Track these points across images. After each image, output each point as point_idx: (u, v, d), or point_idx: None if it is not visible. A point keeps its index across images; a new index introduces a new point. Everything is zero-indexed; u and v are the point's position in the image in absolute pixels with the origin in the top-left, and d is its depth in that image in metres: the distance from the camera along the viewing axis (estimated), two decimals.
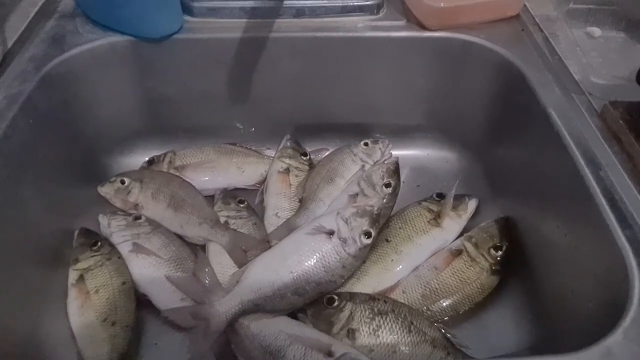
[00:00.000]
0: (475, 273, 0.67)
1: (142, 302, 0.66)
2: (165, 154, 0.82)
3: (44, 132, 0.66)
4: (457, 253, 0.69)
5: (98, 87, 0.74)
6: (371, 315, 0.62)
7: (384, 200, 0.74)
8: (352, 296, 0.64)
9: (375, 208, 0.70)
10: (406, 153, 0.86)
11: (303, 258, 0.64)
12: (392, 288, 0.67)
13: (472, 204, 0.76)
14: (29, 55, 0.69)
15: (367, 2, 0.77)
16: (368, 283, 0.68)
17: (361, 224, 0.68)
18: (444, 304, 0.65)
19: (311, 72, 0.78)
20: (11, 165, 0.60)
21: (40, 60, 0.68)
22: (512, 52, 0.72)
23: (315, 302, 0.64)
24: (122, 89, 0.76)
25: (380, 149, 0.83)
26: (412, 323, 0.61)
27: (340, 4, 0.76)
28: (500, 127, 0.77)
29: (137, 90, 0.77)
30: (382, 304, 0.63)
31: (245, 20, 0.74)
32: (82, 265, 0.66)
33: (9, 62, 0.67)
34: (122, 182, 0.76)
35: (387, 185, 0.75)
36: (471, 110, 0.80)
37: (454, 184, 0.75)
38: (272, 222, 0.76)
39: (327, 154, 0.86)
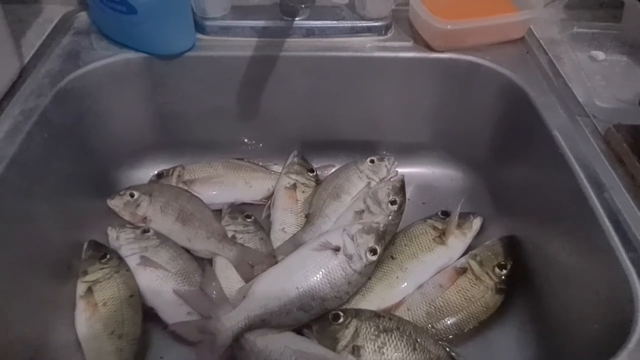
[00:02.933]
0: (480, 291, 0.67)
1: (148, 315, 0.66)
2: (174, 168, 0.83)
3: (58, 146, 0.67)
4: (462, 271, 0.69)
5: (111, 102, 0.75)
6: (376, 333, 0.62)
7: (390, 218, 0.75)
8: (357, 313, 0.64)
9: (381, 225, 0.71)
10: (412, 171, 0.87)
11: (309, 274, 0.65)
12: (397, 305, 0.68)
13: (476, 223, 0.76)
14: (45, 71, 0.70)
15: (376, 23, 0.79)
16: (373, 300, 0.68)
17: (367, 240, 0.68)
18: (449, 322, 0.66)
19: (319, 90, 0.80)
20: (26, 178, 0.61)
21: (55, 76, 0.69)
22: (517, 74, 0.73)
23: (321, 318, 0.65)
24: (134, 104, 0.78)
25: (386, 166, 0.84)
26: (417, 341, 0.62)
27: (349, 25, 0.78)
28: (505, 147, 0.78)
29: (149, 106, 0.79)
30: (387, 321, 0.63)
31: (256, 39, 0.76)
32: (90, 277, 0.67)
33: (25, 78, 0.69)
34: (132, 196, 0.76)
35: (393, 202, 0.76)
36: (476, 130, 0.81)
37: (459, 202, 0.75)
38: (278, 237, 0.76)
39: (333, 170, 0.87)
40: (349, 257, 0.67)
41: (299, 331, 0.64)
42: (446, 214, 0.77)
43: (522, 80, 0.73)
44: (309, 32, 0.78)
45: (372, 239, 0.68)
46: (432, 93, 0.80)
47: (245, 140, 0.87)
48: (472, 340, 0.66)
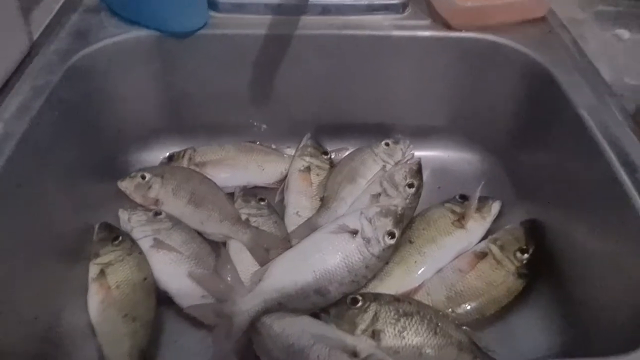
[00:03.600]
0: (501, 276, 0.65)
1: (162, 299, 0.65)
2: (185, 151, 0.81)
3: (67, 125, 0.65)
4: (482, 255, 0.67)
5: (121, 81, 0.73)
6: (396, 317, 0.60)
7: (407, 201, 0.73)
8: (376, 297, 0.63)
9: (399, 208, 0.69)
10: (427, 154, 0.85)
11: (326, 257, 0.63)
12: (415, 290, 0.66)
13: (495, 206, 0.74)
14: (55, 48, 0.68)
15: (393, 1, 0.76)
16: (391, 284, 0.66)
17: (385, 224, 0.66)
18: (470, 307, 0.64)
19: (334, 71, 0.77)
20: (37, 157, 0.59)
21: (65, 53, 0.67)
22: (540, 54, 0.71)
23: (339, 302, 0.63)
24: (144, 84, 0.76)
25: (401, 149, 0.82)
26: (437, 325, 0.60)
27: (366, 3, 0.76)
28: (526, 130, 0.75)
29: (160, 86, 0.77)
30: (407, 305, 0.62)
31: (270, 16, 0.73)
32: (102, 259, 0.65)
33: (34, 55, 0.67)
34: (143, 178, 0.74)
35: (410, 185, 0.74)
36: (496, 112, 0.79)
37: (477, 186, 0.73)
38: (292, 221, 0.75)
39: (347, 153, 0.85)
40: (367, 241, 0.65)
41: (315, 316, 0.62)
42: (464, 198, 0.75)
43: (546, 59, 0.70)
44: (325, 10, 0.75)
45: (390, 222, 0.66)
46: (450, 73, 0.78)
47: (258, 122, 0.85)
48: (493, 326, 0.64)
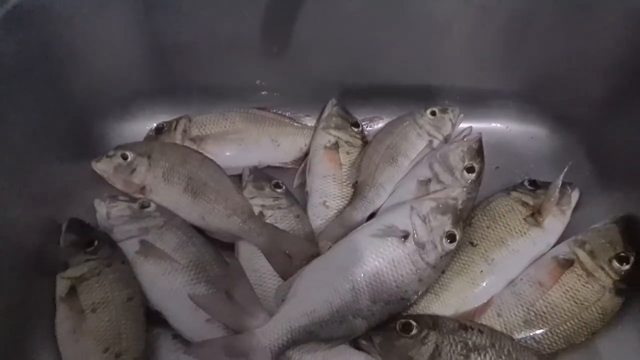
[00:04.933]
0: (594, 293, 0.52)
1: (153, 321, 0.52)
2: (177, 121, 0.68)
3: (17, 90, 0.54)
4: (568, 264, 0.54)
5: (89, 29, 0.60)
6: (464, 352, 0.48)
7: (466, 189, 0.60)
8: (435, 322, 0.51)
9: (459, 201, 0.56)
10: (481, 126, 0.71)
11: (369, 269, 0.52)
12: (482, 309, 0.54)
13: (574, 196, 0.61)
14: None
15: None
16: (450, 301, 0.54)
17: (443, 223, 0.54)
18: (554, 334, 0.51)
19: (365, 18, 0.65)
20: None
21: None
22: None
23: (384, 327, 0.51)
24: (122, 33, 0.63)
25: (450, 119, 0.69)
26: None
27: None
28: (622, 98, 0.62)
29: (142, 36, 0.64)
30: (477, 334, 0.49)
31: None
32: (73, 272, 0.52)
33: None
34: (124, 157, 0.63)
35: (470, 169, 0.61)
36: (577, 74, 0.66)
37: (543, 167, 0.66)
38: (318, 214, 0.62)
39: (381, 125, 0.72)
40: (421, 246, 0.52)
41: (354, 343, 0.51)
42: (535, 185, 0.62)
43: None
44: None
45: (448, 220, 0.54)
46: (512, 20, 0.64)
47: (268, 83, 0.72)
48: (579, 354, 0.52)
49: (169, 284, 0.53)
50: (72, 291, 0.51)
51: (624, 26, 0.58)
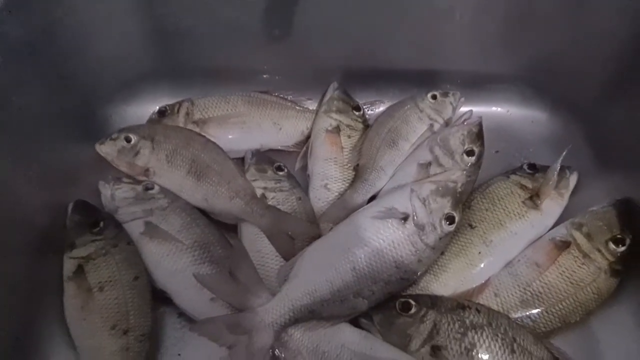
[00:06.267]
0: (589, 274, 0.53)
1: (159, 300, 0.53)
2: (180, 104, 0.68)
3: (19, 73, 0.53)
4: (564, 246, 0.55)
5: (92, 11, 0.59)
6: (462, 330, 0.48)
7: (465, 173, 0.60)
8: (434, 302, 0.51)
9: (459, 184, 0.56)
10: (482, 110, 0.71)
11: (369, 250, 0.52)
12: (479, 289, 0.54)
13: (573, 179, 0.61)
14: None
15: None
16: (448, 281, 0.55)
17: (442, 205, 0.54)
18: (550, 313, 0.52)
19: (367, 1, 0.64)
20: None
21: None
22: None
23: (384, 306, 0.52)
24: (124, 17, 0.62)
25: (451, 103, 0.69)
26: (514, 340, 0.48)
27: None
28: (622, 83, 0.61)
29: (145, 20, 0.63)
30: (474, 313, 0.50)
31: None
32: (80, 252, 0.52)
33: None
34: (128, 140, 0.62)
35: (470, 152, 0.61)
36: (578, 59, 0.65)
37: (543, 151, 0.65)
38: (319, 196, 0.62)
39: (382, 108, 0.71)
40: (420, 228, 0.52)
41: (355, 322, 0.52)
42: (534, 168, 0.62)
43: None
44: None
45: (448, 202, 0.54)
46: (516, 6, 0.63)
47: (269, 66, 0.71)
48: (575, 335, 0.53)
49: (174, 264, 0.53)
50: (80, 270, 0.51)
51: (624, 11, 0.57)
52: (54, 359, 0.50)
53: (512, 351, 0.47)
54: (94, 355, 0.48)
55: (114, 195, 0.58)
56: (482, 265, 0.55)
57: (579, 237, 0.55)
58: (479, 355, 0.47)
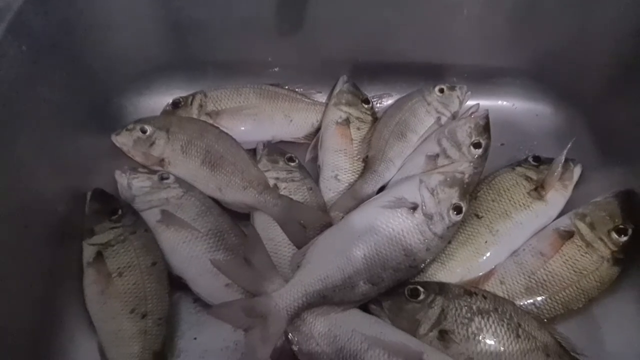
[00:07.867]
0: (592, 262, 0.54)
1: (175, 285, 0.54)
2: (193, 96, 0.68)
3: (41, 63, 0.53)
4: (568, 235, 0.56)
5: (109, 5, 0.60)
6: (469, 315, 0.50)
7: (472, 164, 0.61)
8: (442, 288, 0.52)
9: (466, 175, 0.57)
10: (488, 103, 0.72)
11: (379, 238, 0.53)
12: (486, 277, 0.56)
13: (577, 171, 0.63)
14: None
15: None
16: (455, 269, 0.56)
17: (450, 195, 0.55)
18: (554, 300, 0.53)
19: None
20: (4, 107, 0.46)
21: None
22: None
23: (393, 292, 0.53)
24: (139, 10, 0.62)
25: (458, 96, 0.70)
26: (519, 325, 0.50)
27: None
28: (625, 77, 0.62)
29: (159, 13, 0.63)
30: (481, 300, 0.51)
31: None
32: (99, 239, 0.54)
33: None
34: (143, 131, 0.63)
35: (477, 145, 0.62)
36: (582, 53, 0.66)
37: (548, 144, 0.66)
38: (330, 187, 0.63)
39: (390, 101, 0.72)
40: (429, 217, 0.53)
41: (365, 308, 0.53)
42: (539, 161, 0.63)
43: None
44: None
45: (455, 193, 0.55)
46: (522, 1, 0.64)
47: (275, 60, 0.71)
48: (577, 321, 0.55)
49: (190, 251, 0.54)
50: (99, 257, 0.52)
51: (628, 6, 0.58)
52: (75, 341, 0.51)
53: (517, 336, 0.49)
54: (114, 338, 0.49)
55: (131, 184, 0.58)
56: (488, 254, 0.56)
57: (582, 227, 0.56)
58: (485, 340, 0.49)
